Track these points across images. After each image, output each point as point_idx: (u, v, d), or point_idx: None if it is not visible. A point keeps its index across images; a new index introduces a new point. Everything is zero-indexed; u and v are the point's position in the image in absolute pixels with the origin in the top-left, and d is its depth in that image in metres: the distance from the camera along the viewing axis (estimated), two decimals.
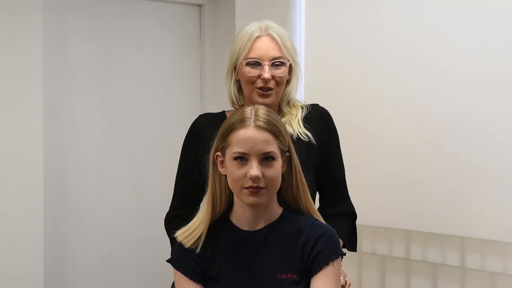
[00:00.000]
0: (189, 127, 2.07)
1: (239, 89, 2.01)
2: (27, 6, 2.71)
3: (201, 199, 1.96)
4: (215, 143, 1.63)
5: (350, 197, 2.09)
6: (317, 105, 2.06)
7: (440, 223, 2.51)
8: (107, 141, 3.05)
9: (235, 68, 1.97)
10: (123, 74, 3.10)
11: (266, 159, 1.56)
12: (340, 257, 1.62)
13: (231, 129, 1.59)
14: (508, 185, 2.32)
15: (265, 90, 1.93)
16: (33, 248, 2.73)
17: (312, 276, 1.58)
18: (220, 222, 1.66)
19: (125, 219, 3.10)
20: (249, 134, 1.56)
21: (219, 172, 1.63)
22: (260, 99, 1.92)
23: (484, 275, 2.39)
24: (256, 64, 1.91)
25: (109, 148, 3.06)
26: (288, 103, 2.01)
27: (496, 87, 2.35)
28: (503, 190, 2.33)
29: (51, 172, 2.85)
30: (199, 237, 1.63)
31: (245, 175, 1.55)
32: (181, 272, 1.64)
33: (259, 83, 1.91)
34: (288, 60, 1.94)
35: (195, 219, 1.67)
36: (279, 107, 2.01)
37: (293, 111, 2.00)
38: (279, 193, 1.65)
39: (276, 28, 1.95)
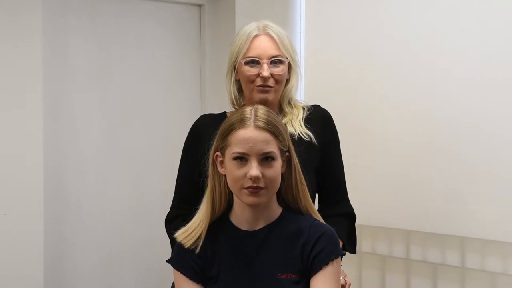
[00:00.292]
0: (189, 127, 2.07)
1: (240, 89, 2.01)
2: (27, 6, 2.71)
3: (202, 199, 1.97)
4: (214, 143, 1.64)
5: (350, 197, 2.09)
6: (318, 106, 2.06)
7: (440, 223, 2.51)
8: (107, 141, 3.05)
9: (234, 68, 1.98)
10: (123, 74, 3.10)
11: (265, 159, 1.56)
12: (340, 257, 1.62)
13: (231, 129, 1.59)
14: (508, 185, 2.32)
15: (264, 87, 1.93)
16: (33, 248, 2.73)
17: (312, 276, 1.58)
18: (220, 222, 1.66)
19: (125, 219, 3.10)
20: (249, 134, 1.56)
21: (219, 172, 1.63)
22: (260, 95, 1.92)
23: (484, 275, 2.39)
24: (255, 62, 1.92)
25: (109, 148, 3.05)
26: (289, 102, 2.02)
27: (496, 87, 2.35)
28: (503, 190, 2.33)
29: (51, 172, 2.85)
30: (199, 237, 1.63)
31: (245, 175, 1.55)
32: (181, 272, 1.64)
33: (258, 82, 1.92)
34: (287, 58, 1.95)
35: (194, 219, 1.67)
36: (280, 107, 2.01)
37: (295, 111, 2.00)
38: (278, 193, 1.65)
39: (274, 27, 1.95)
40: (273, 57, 1.92)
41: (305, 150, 1.84)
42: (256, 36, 1.93)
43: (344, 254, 1.91)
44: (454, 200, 2.47)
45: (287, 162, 1.63)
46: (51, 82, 2.85)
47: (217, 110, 2.14)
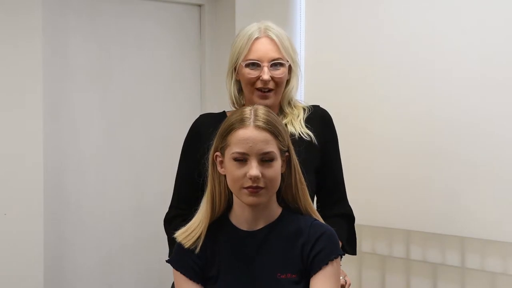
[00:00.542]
0: (189, 127, 2.08)
1: (240, 90, 2.02)
2: (27, 6, 2.70)
3: (201, 199, 1.96)
4: (214, 143, 1.63)
5: (350, 198, 2.09)
6: (318, 106, 2.07)
7: (440, 223, 2.51)
8: (107, 141, 3.05)
9: (235, 68, 1.98)
10: (123, 74, 3.09)
11: (265, 159, 1.56)
12: (340, 257, 1.62)
13: (231, 129, 1.59)
14: (508, 185, 2.32)
15: (264, 91, 1.93)
16: (33, 248, 2.73)
17: (312, 276, 1.58)
18: (220, 222, 1.66)
19: (125, 219, 3.10)
20: (249, 134, 1.56)
21: (219, 172, 1.63)
22: (260, 101, 1.93)
23: (484, 275, 2.39)
24: (255, 65, 1.92)
25: (109, 148, 3.05)
26: (289, 103, 2.02)
27: (496, 87, 2.35)
28: (503, 190, 2.33)
29: (51, 172, 2.84)
30: (199, 237, 1.63)
31: (245, 175, 1.55)
32: (181, 272, 1.64)
33: (259, 84, 1.92)
34: (287, 61, 1.95)
35: (194, 219, 1.67)
36: (280, 107, 2.02)
37: (295, 111, 2.01)
38: (278, 193, 1.65)
39: (275, 29, 1.95)
40: (273, 60, 1.92)
41: (305, 150, 1.84)
42: (257, 38, 1.93)
43: (344, 254, 1.91)
44: (454, 200, 2.47)
45: (287, 162, 1.63)
46: (51, 82, 2.85)
47: (217, 110, 2.14)
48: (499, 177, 2.34)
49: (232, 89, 2.01)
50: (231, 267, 1.61)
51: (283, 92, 1.99)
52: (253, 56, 1.93)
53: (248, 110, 1.61)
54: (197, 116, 2.11)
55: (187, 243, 1.63)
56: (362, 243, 2.75)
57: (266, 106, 1.85)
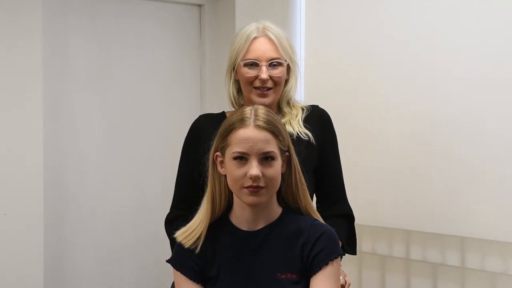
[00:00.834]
0: (189, 127, 2.08)
1: (239, 89, 2.02)
2: (27, 6, 2.70)
3: (202, 200, 1.96)
4: (214, 143, 1.64)
5: (350, 197, 2.09)
6: (317, 106, 2.07)
7: (440, 223, 2.51)
8: (107, 141, 3.05)
9: (233, 68, 1.98)
10: (123, 74, 3.10)
11: (265, 158, 1.56)
12: (340, 257, 1.62)
13: (231, 129, 1.59)
14: (508, 185, 2.32)
15: (263, 90, 1.93)
16: (33, 248, 2.73)
17: (312, 276, 1.58)
18: (220, 222, 1.66)
19: (125, 219, 3.10)
20: (249, 134, 1.56)
21: (219, 172, 1.63)
22: (259, 99, 1.93)
23: (484, 275, 2.39)
24: (254, 65, 1.93)
25: (109, 148, 3.05)
26: (288, 103, 2.02)
27: (496, 87, 2.35)
28: (503, 190, 2.33)
29: (51, 172, 2.84)
30: (199, 237, 1.63)
31: (245, 174, 1.55)
32: (181, 272, 1.64)
33: (257, 83, 1.93)
34: (286, 60, 1.95)
35: (194, 219, 1.67)
36: (279, 107, 2.02)
37: (294, 111, 2.01)
38: (278, 193, 1.65)
39: (273, 29, 1.96)
40: (272, 59, 1.93)
41: (304, 150, 1.84)
42: (255, 38, 1.94)
43: (344, 254, 1.91)
44: (454, 200, 2.47)
45: (287, 162, 1.63)
46: (51, 82, 2.85)
47: (217, 110, 2.15)
48: (499, 177, 2.34)
49: (231, 89, 2.02)
50: (231, 267, 1.61)
51: (282, 92, 1.99)
52: (252, 55, 1.93)
53: (248, 110, 1.61)
54: (197, 116, 2.11)
55: (187, 243, 1.63)
56: (362, 243, 2.75)
57: (265, 105, 1.85)
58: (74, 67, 2.95)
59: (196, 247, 1.63)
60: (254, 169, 1.54)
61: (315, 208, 1.72)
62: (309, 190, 1.70)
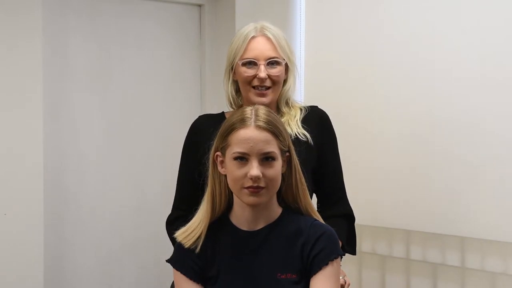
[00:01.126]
0: (189, 127, 2.08)
1: (237, 90, 2.02)
2: (27, 6, 2.70)
3: (202, 199, 1.97)
4: (215, 143, 1.64)
5: (350, 198, 2.09)
6: (316, 106, 2.07)
7: (440, 223, 2.51)
8: (107, 141, 3.05)
9: (232, 68, 1.98)
10: (123, 74, 3.10)
11: (266, 159, 1.56)
12: (340, 257, 1.62)
13: (231, 129, 1.59)
14: (508, 185, 2.32)
15: (261, 89, 1.94)
16: (33, 248, 2.73)
17: (312, 276, 1.58)
18: (220, 222, 1.66)
19: (125, 219, 3.10)
20: (250, 134, 1.56)
21: (219, 172, 1.63)
22: (257, 99, 1.93)
23: (484, 275, 2.39)
24: (252, 64, 1.93)
25: (109, 148, 3.05)
26: (287, 103, 2.02)
27: (496, 87, 2.35)
28: (503, 190, 2.33)
29: (51, 172, 2.85)
30: (199, 237, 1.63)
31: (245, 175, 1.55)
32: (181, 272, 1.64)
33: (255, 82, 1.93)
34: (284, 60, 1.95)
35: (194, 219, 1.67)
36: (277, 107, 2.02)
37: (292, 111, 2.01)
38: (278, 193, 1.65)
39: (271, 29, 1.96)
40: (270, 58, 1.93)
41: (302, 150, 1.84)
42: (253, 37, 1.94)
43: (344, 254, 1.91)
44: (454, 200, 2.47)
45: (288, 162, 1.63)
46: (51, 82, 2.85)
47: (217, 110, 2.15)
48: (499, 177, 2.34)
49: (229, 89, 2.02)
50: (231, 267, 1.61)
51: (280, 92, 2.00)
52: (250, 54, 1.93)
53: (249, 110, 1.61)
54: (197, 116, 2.11)
55: (187, 243, 1.63)
56: (362, 243, 2.75)
57: (263, 104, 1.85)
58: (74, 67, 2.95)
59: (196, 247, 1.63)
60: (254, 169, 1.54)
61: (315, 208, 1.72)
62: (308, 190, 1.70)
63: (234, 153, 1.57)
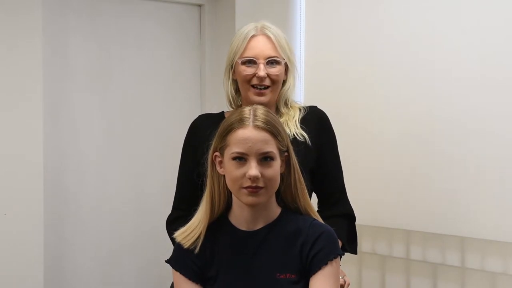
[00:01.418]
0: (188, 127, 2.08)
1: (237, 89, 2.02)
2: (27, 6, 2.71)
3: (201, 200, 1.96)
4: (213, 143, 1.64)
5: (350, 198, 2.09)
6: (315, 107, 2.06)
7: (440, 223, 2.51)
8: (107, 141, 3.05)
9: (231, 67, 1.98)
10: (123, 74, 3.10)
11: (265, 159, 1.56)
12: (339, 257, 1.62)
13: (230, 129, 1.59)
14: (508, 185, 2.31)
15: (260, 88, 1.93)
16: (33, 248, 2.73)
17: (311, 276, 1.58)
18: (219, 223, 1.66)
19: (125, 219, 3.10)
20: (248, 134, 1.56)
21: (218, 172, 1.63)
22: (256, 98, 1.93)
23: (484, 275, 2.38)
24: (252, 62, 1.93)
25: (109, 148, 3.05)
26: (286, 103, 2.02)
27: (496, 87, 2.35)
28: (503, 190, 2.33)
29: (51, 172, 2.85)
30: (198, 238, 1.63)
31: (244, 175, 1.55)
32: (180, 273, 1.64)
33: (255, 81, 1.93)
34: (284, 59, 1.95)
35: (193, 219, 1.67)
36: (277, 107, 2.02)
37: (291, 112, 2.01)
38: (277, 193, 1.65)
39: (272, 28, 1.96)
40: (269, 57, 1.93)
41: (301, 150, 1.84)
42: (253, 36, 1.94)
43: (344, 254, 1.90)
44: (454, 200, 2.47)
45: (286, 162, 1.63)
46: (51, 82, 2.85)
47: (216, 110, 2.15)
48: (499, 177, 2.34)
49: (229, 89, 2.02)
50: (230, 267, 1.61)
51: (280, 92, 1.99)
52: (250, 53, 1.93)
53: (247, 110, 1.61)
54: (197, 116, 2.11)
55: (186, 243, 1.63)
56: (362, 243, 2.75)
57: (262, 103, 1.85)
58: (74, 67, 2.95)
59: (195, 247, 1.63)
60: (253, 169, 1.54)
61: (314, 208, 1.71)
62: (307, 190, 1.70)
63: (232, 153, 1.57)
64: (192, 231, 1.64)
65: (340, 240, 1.90)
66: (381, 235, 2.72)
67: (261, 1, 3.09)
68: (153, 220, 3.03)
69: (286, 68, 1.99)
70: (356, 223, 2.09)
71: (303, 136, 1.95)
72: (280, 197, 1.67)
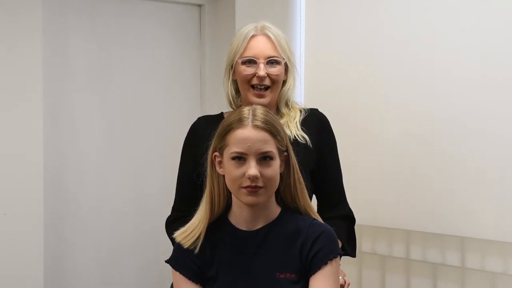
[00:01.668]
0: (189, 127, 2.08)
1: (237, 89, 2.02)
2: (27, 6, 2.70)
3: (201, 200, 1.96)
4: (213, 143, 1.64)
5: (350, 198, 2.09)
6: (316, 109, 2.06)
7: (440, 223, 2.51)
8: (107, 141, 3.05)
9: (231, 67, 1.98)
10: (123, 74, 3.09)
11: (264, 158, 1.56)
12: (339, 257, 1.62)
13: (229, 129, 1.59)
14: (508, 185, 2.31)
15: (260, 89, 1.93)
16: (33, 248, 2.73)
17: (311, 276, 1.58)
18: (219, 223, 1.66)
19: (125, 219, 3.10)
20: (247, 134, 1.56)
21: (217, 173, 1.63)
22: (256, 100, 1.93)
23: (484, 275, 2.38)
24: (252, 62, 1.93)
25: (109, 148, 3.05)
26: (287, 104, 2.02)
27: (496, 87, 2.35)
28: (503, 190, 2.33)
29: (51, 172, 2.84)
30: (198, 238, 1.63)
31: (243, 174, 1.55)
32: (180, 273, 1.64)
33: (255, 81, 1.93)
34: (284, 59, 1.95)
35: (193, 219, 1.67)
36: (277, 108, 2.01)
37: (292, 113, 2.00)
38: (277, 193, 1.65)
39: (272, 28, 1.96)
40: (269, 57, 1.93)
41: (301, 152, 1.84)
42: (253, 36, 1.94)
43: (343, 254, 1.90)
44: (454, 200, 2.47)
45: (286, 162, 1.63)
46: (51, 82, 2.85)
47: (217, 111, 2.15)
48: (499, 177, 2.34)
49: (229, 89, 2.01)
50: (230, 267, 1.61)
51: (280, 92, 1.99)
52: (249, 53, 1.93)
53: (246, 110, 1.61)
54: (197, 117, 2.11)
55: (186, 243, 1.63)
56: (362, 243, 2.75)
57: (262, 105, 1.85)
58: (74, 67, 2.95)
59: (195, 247, 1.63)
60: (252, 169, 1.54)
61: (314, 208, 1.71)
62: (307, 191, 1.70)
63: (232, 153, 1.57)
64: (192, 231, 1.64)
65: (340, 240, 1.90)
66: (381, 235, 2.72)
67: (261, 1, 3.09)
68: (153, 220, 3.03)
69: (286, 68, 1.98)
70: (356, 223, 2.08)
71: (304, 137, 1.95)
72: (280, 197, 1.67)
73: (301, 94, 2.99)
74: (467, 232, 2.42)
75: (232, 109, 2.02)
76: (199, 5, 3.30)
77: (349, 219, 2.05)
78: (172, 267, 1.66)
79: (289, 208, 1.67)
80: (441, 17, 2.52)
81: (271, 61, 1.93)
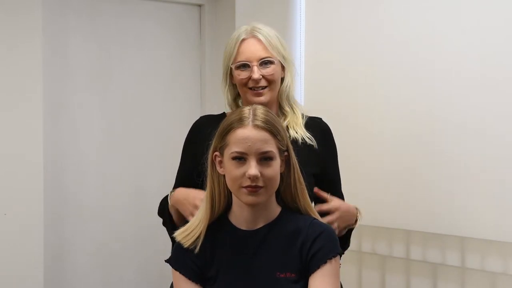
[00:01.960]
0: (189, 127, 2.08)
1: (238, 93, 2.02)
2: (27, 6, 2.71)
3: None
4: (213, 143, 1.64)
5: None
6: (320, 119, 2.06)
7: (440, 223, 2.51)
8: (107, 141, 3.05)
9: (228, 73, 1.99)
10: (123, 74, 3.10)
11: (264, 158, 1.56)
12: (339, 256, 1.62)
13: (229, 129, 1.59)
14: (508, 185, 2.31)
15: (257, 89, 1.94)
16: (33, 248, 2.73)
17: (311, 275, 1.58)
18: (219, 222, 1.66)
19: (125, 219, 3.10)
20: (247, 134, 1.56)
21: (218, 172, 1.63)
22: (255, 99, 1.93)
23: (484, 275, 2.38)
24: (245, 66, 1.93)
25: (109, 148, 3.06)
26: (288, 101, 2.01)
27: (496, 87, 2.35)
28: (503, 190, 2.33)
29: (51, 172, 2.85)
30: (198, 237, 1.63)
31: (244, 174, 1.55)
32: (180, 272, 1.64)
33: (251, 84, 1.93)
34: (277, 58, 1.95)
35: (193, 219, 1.67)
36: (280, 106, 2.01)
37: (296, 115, 2.00)
38: (277, 193, 1.65)
39: (262, 29, 1.96)
40: (261, 58, 1.93)
41: (306, 153, 1.84)
42: (243, 40, 1.94)
43: (343, 253, 1.90)
44: (454, 200, 2.47)
45: (286, 162, 1.63)
46: (51, 82, 2.85)
47: (217, 110, 2.15)
48: (499, 177, 2.34)
49: (226, 95, 2.02)
50: (230, 266, 1.61)
51: (279, 90, 1.99)
52: (242, 57, 1.94)
53: (247, 110, 1.61)
54: (197, 116, 2.12)
55: (186, 243, 1.63)
56: (362, 243, 2.75)
57: (262, 103, 1.85)
58: (74, 67, 2.95)
59: (195, 247, 1.63)
60: (252, 169, 1.54)
61: (314, 208, 1.72)
62: (308, 191, 1.70)
63: (232, 152, 1.57)
64: (192, 230, 1.64)
65: None
66: (381, 235, 2.72)
67: (261, 1, 3.09)
68: (153, 220, 3.01)
69: (283, 66, 1.99)
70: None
71: (311, 139, 1.95)
72: (280, 196, 1.67)
73: (301, 94, 2.98)
74: (467, 232, 2.42)
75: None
76: (199, 5, 3.30)
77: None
78: (172, 267, 1.66)
79: (289, 208, 1.67)
80: (441, 17, 2.52)
81: (264, 62, 1.94)
